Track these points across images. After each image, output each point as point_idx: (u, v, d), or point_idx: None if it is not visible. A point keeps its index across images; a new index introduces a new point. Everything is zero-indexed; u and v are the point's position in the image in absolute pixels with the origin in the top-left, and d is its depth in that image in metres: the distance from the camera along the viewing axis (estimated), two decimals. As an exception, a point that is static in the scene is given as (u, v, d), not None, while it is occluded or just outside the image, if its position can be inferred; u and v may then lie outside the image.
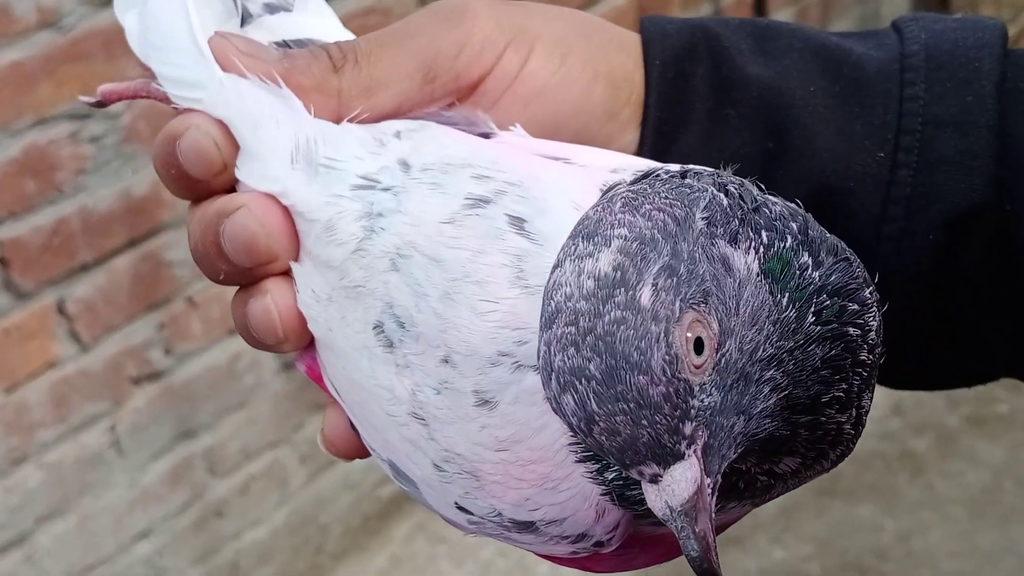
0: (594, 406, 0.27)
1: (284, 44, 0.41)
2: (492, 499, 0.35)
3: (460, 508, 0.36)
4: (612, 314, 0.27)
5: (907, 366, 0.40)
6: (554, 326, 0.28)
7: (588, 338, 0.27)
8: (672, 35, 0.41)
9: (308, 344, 0.39)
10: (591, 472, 0.33)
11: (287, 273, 0.39)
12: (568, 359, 0.27)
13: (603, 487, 0.33)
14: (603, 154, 0.38)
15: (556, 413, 0.29)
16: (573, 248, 0.29)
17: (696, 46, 0.41)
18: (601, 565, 0.37)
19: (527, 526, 0.35)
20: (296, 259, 0.38)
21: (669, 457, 0.27)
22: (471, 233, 0.35)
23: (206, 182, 0.38)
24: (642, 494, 0.30)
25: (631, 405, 0.27)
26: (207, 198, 0.39)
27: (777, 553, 1.76)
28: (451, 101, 0.40)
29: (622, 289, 0.27)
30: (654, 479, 0.28)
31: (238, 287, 0.40)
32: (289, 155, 0.38)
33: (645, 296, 0.27)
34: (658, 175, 0.32)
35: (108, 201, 1.48)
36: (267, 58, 0.39)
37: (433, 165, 0.37)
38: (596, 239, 0.29)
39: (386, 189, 0.37)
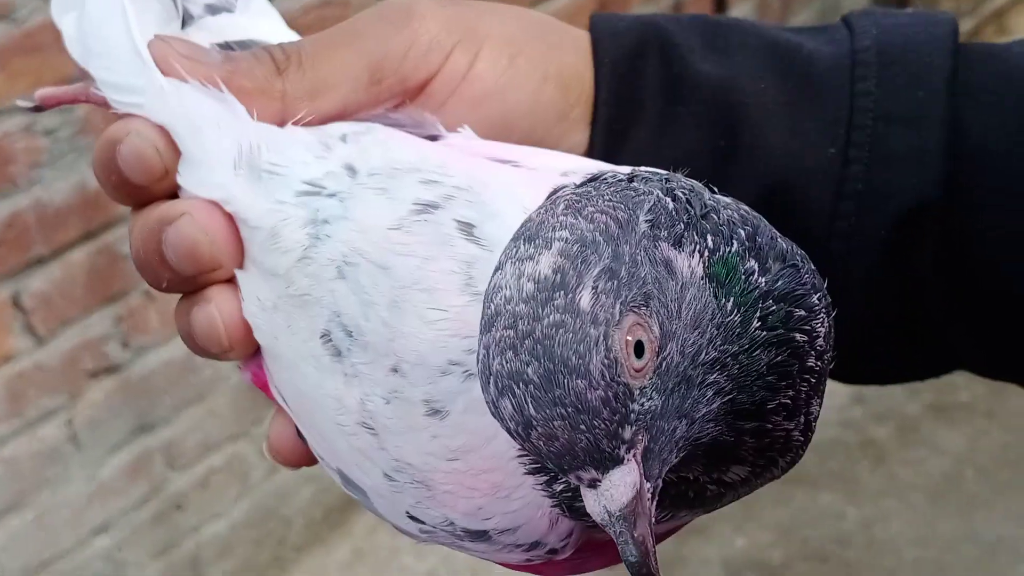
0: (532, 411, 0.27)
1: (226, 46, 0.40)
2: (444, 508, 0.35)
3: (412, 517, 0.36)
4: (551, 317, 0.27)
5: (864, 361, 0.41)
6: (493, 329, 0.28)
7: (527, 342, 0.27)
8: (622, 33, 0.41)
9: (254, 353, 0.39)
10: (540, 484, 0.33)
11: (231, 281, 0.38)
12: (506, 363, 0.27)
13: (552, 499, 0.33)
14: (554, 156, 0.38)
15: (495, 418, 0.28)
16: (514, 251, 0.29)
17: (647, 44, 0.41)
18: (555, 570, 0.37)
19: (480, 535, 0.35)
20: (241, 267, 0.38)
21: (608, 462, 0.27)
22: (419, 239, 0.34)
23: (147, 188, 0.38)
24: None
25: (569, 410, 0.27)
26: (148, 204, 0.39)
27: (739, 541, 1.79)
28: (398, 103, 0.40)
29: (561, 292, 0.27)
30: (592, 484, 0.28)
31: (181, 295, 0.39)
32: (232, 161, 0.38)
33: (584, 299, 0.27)
34: (605, 178, 0.32)
35: (63, 194, 1.47)
36: (208, 61, 0.39)
37: (380, 169, 0.37)
38: (537, 241, 0.28)
39: (332, 195, 0.37)
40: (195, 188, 0.38)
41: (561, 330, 0.27)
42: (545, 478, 0.32)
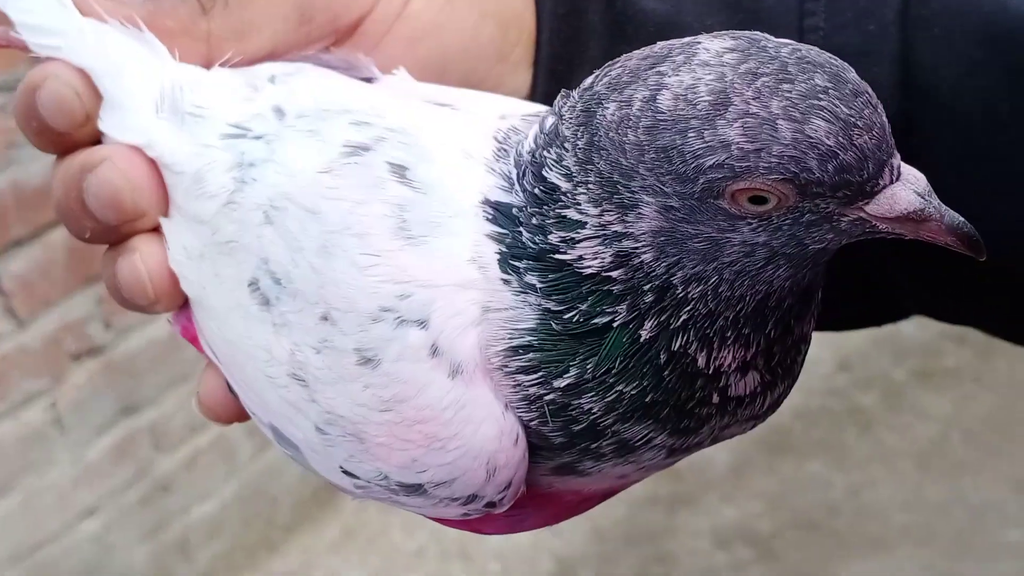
0: (845, 109, 0.27)
1: None
2: (377, 462, 0.34)
3: (345, 472, 0.35)
4: (787, 49, 0.28)
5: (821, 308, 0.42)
6: (733, 102, 0.28)
7: (790, 69, 0.28)
8: None
9: (182, 304, 0.38)
10: (535, 374, 0.32)
11: (157, 230, 0.38)
12: (787, 94, 0.27)
13: (547, 396, 0.32)
14: (491, 99, 0.38)
15: (790, 167, 0.28)
16: (652, 74, 0.30)
17: None
18: (492, 526, 0.36)
19: (415, 488, 0.34)
20: (166, 214, 0.37)
21: (895, 151, 0.29)
22: (350, 183, 0.33)
23: (68, 135, 0.37)
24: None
25: (869, 95, 0.28)
26: (71, 152, 0.38)
27: (728, 511, 1.80)
28: (329, 43, 0.39)
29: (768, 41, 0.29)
30: (897, 173, 0.29)
31: (108, 247, 0.38)
32: (154, 104, 0.37)
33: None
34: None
35: (40, 175, 1.43)
36: (129, 1, 0.38)
37: (309, 111, 0.36)
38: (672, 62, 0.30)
39: (258, 137, 0.36)
40: (117, 133, 0.37)
41: (811, 51, 0.29)
42: (539, 376, 0.32)
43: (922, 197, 0.29)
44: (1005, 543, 1.73)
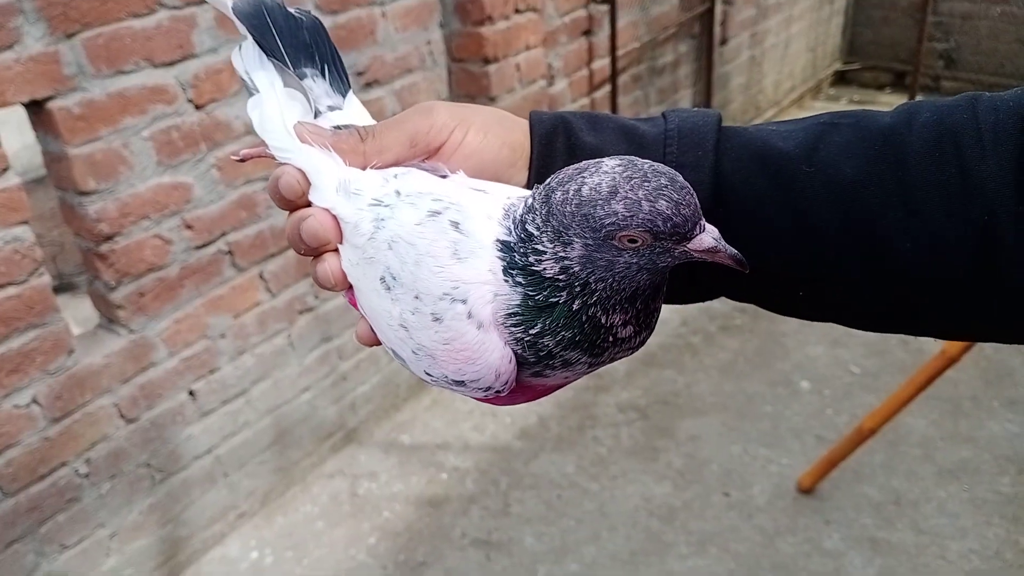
0: (675, 195, 0.40)
1: (337, 127, 0.52)
2: (441, 369, 0.46)
3: (427, 373, 0.47)
4: (647, 164, 0.41)
5: (671, 294, 0.52)
6: (619, 192, 0.40)
7: (648, 175, 0.40)
8: (545, 121, 0.53)
9: (349, 288, 0.51)
10: (520, 327, 0.44)
11: (336, 250, 0.51)
12: (646, 187, 0.39)
13: (526, 338, 0.45)
14: (505, 187, 0.49)
15: (647, 224, 0.40)
16: (566, 177, 0.42)
17: (557, 127, 0.53)
18: (502, 402, 0.49)
19: (460, 383, 0.46)
20: (340, 243, 0.50)
21: (702, 216, 0.41)
22: (430, 230, 0.45)
23: (293, 202, 0.51)
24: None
25: (689, 188, 0.41)
26: (295, 211, 0.51)
27: (624, 394, 2.65)
28: (425, 157, 0.51)
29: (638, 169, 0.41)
30: (702, 228, 0.41)
31: (312, 259, 0.51)
32: (335, 187, 0.49)
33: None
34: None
35: (282, 222, 1.99)
36: (324, 135, 0.50)
37: (412, 193, 0.47)
38: (582, 173, 0.42)
39: (386, 206, 0.48)
40: (317, 202, 0.50)
41: (659, 166, 0.41)
42: (522, 324, 0.44)
43: (716, 240, 0.41)
44: (763, 412, 2.55)
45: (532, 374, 0.47)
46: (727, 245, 0.43)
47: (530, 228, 0.44)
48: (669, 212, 0.41)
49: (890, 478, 2.33)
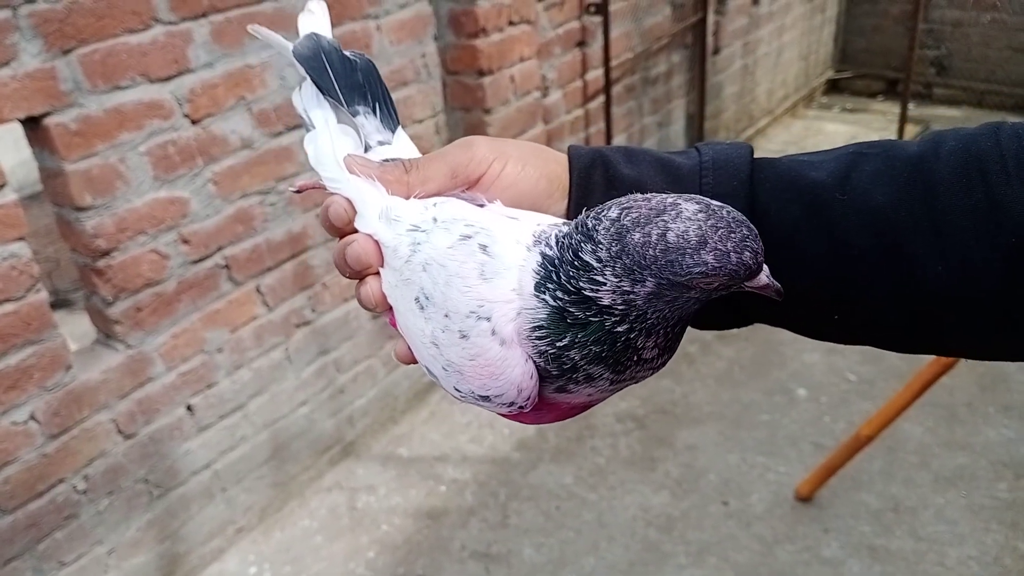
0: (753, 246, 0.42)
1: (386, 160, 0.55)
2: (469, 384, 0.49)
3: (456, 389, 0.50)
4: (726, 211, 0.43)
5: (697, 321, 0.55)
6: (708, 242, 0.42)
7: (732, 224, 0.42)
8: (584, 155, 0.56)
9: (389, 309, 0.54)
10: (545, 339, 0.46)
11: (377, 273, 0.54)
12: (732, 239, 0.42)
13: (551, 350, 0.46)
14: (536, 216, 0.51)
15: (733, 275, 0.42)
16: (644, 218, 0.43)
17: (595, 160, 0.55)
18: (527, 419, 0.51)
19: (486, 399, 0.49)
20: (381, 266, 0.53)
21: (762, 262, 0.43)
22: (460, 253, 0.48)
23: (341, 229, 0.54)
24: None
25: (757, 237, 0.43)
26: (342, 236, 0.54)
27: (622, 404, 2.65)
28: (465, 188, 0.53)
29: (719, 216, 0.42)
30: (760, 269, 0.43)
31: (356, 281, 0.54)
32: (378, 215, 0.53)
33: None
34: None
35: (280, 235, 2.10)
36: (371, 167, 0.53)
37: (447, 219, 0.51)
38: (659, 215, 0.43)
39: (423, 231, 0.51)
40: (362, 228, 0.53)
41: (735, 212, 0.43)
42: (548, 338, 0.45)
43: (768, 277, 0.44)
44: (760, 420, 2.55)
45: (555, 389, 0.49)
46: (772, 279, 0.45)
47: (587, 258, 0.44)
48: (751, 263, 0.43)
49: (888, 485, 2.34)
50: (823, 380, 2.72)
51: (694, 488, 2.37)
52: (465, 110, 2.63)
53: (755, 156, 0.55)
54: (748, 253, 0.43)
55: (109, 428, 1.91)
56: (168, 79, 1.83)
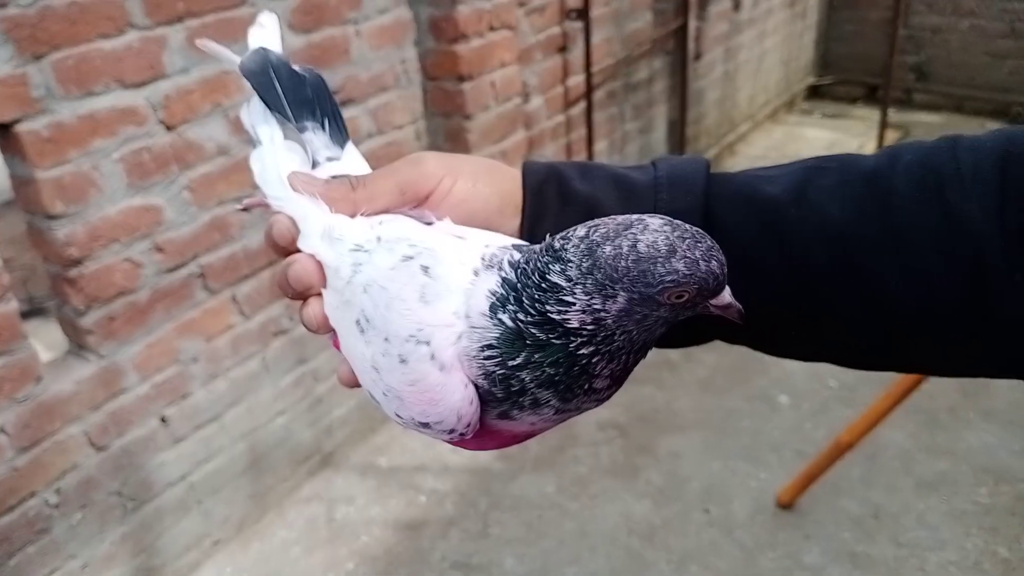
0: (719, 257, 0.43)
1: (333, 177, 0.54)
2: (408, 410, 0.48)
3: (397, 415, 0.49)
4: (687, 226, 0.42)
5: (663, 340, 0.53)
6: (678, 250, 0.41)
7: (696, 236, 0.42)
8: (538, 170, 0.55)
9: (331, 330, 0.53)
10: (494, 359, 0.44)
11: (319, 294, 0.52)
12: (699, 248, 0.42)
13: (499, 371, 0.44)
14: (486, 234, 0.50)
15: (702, 283, 0.42)
16: (613, 235, 0.42)
17: (549, 176, 0.55)
18: (470, 446, 0.50)
19: (426, 425, 0.48)
20: (324, 287, 0.52)
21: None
22: (402, 274, 0.47)
23: (285, 247, 0.53)
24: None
25: (720, 251, 0.43)
26: (285, 256, 0.53)
27: (603, 412, 2.60)
28: (414, 205, 0.52)
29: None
30: (724, 286, 0.43)
31: (300, 302, 0.53)
32: (320, 234, 0.52)
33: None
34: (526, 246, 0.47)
35: (257, 242, 2.07)
36: (315, 184, 0.53)
37: (391, 239, 0.50)
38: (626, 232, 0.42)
39: (366, 251, 0.50)
40: (304, 248, 0.52)
41: (697, 229, 0.42)
42: (498, 358, 0.44)
43: (731, 297, 0.44)
44: (742, 427, 2.57)
45: (498, 415, 0.47)
46: (734, 300, 0.45)
47: (555, 279, 0.43)
48: (718, 271, 0.43)
49: (869, 491, 2.34)
50: (805, 387, 2.73)
51: (676, 496, 2.37)
52: (445, 116, 2.62)
53: (712, 171, 0.55)
54: (715, 263, 0.43)
55: (81, 440, 1.89)
56: (143, 85, 1.81)
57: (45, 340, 2.46)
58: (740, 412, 2.65)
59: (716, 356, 2.90)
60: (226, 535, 2.30)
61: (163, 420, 2.08)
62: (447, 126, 2.63)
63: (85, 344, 1.87)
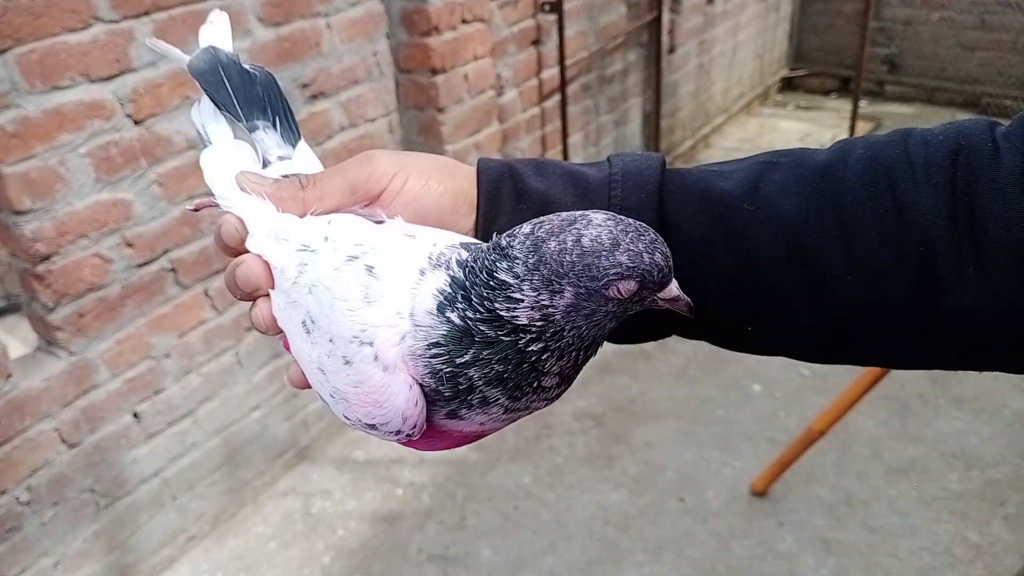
0: (663, 249, 0.43)
1: (284, 176, 0.53)
2: (355, 412, 0.48)
3: (345, 416, 0.49)
4: (631, 221, 0.43)
5: (617, 335, 0.55)
6: (621, 243, 0.42)
7: (640, 230, 0.43)
8: (492, 168, 0.54)
9: (280, 331, 0.52)
10: (441, 357, 0.44)
11: (268, 295, 0.52)
12: (642, 241, 0.42)
13: (446, 369, 0.44)
14: (436, 233, 0.50)
15: (646, 275, 0.42)
16: (549, 230, 0.43)
17: (504, 173, 0.54)
18: (419, 446, 0.50)
19: (372, 427, 0.48)
20: (271, 287, 0.51)
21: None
22: (346, 274, 0.47)
23: (233, 248, 0.53)
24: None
25: (664, 244, 0.43)
26: (234, 256, 0.53)
27: (580, 402, 2.66)
28: (365, 204, 0.52)
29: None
30: (670, 279, 0.44)
31: (249, 303, 0.53)
32: (267, 234, 0.51)
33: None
34: (473, 243, 0.47)
35: None
36: (263, 184, 0.52)
37: (337, 238, 0.49)
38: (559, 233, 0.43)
39: (312, 251, 0.49)
40: (252, 248, 0.52)
41: (640, 223, 0.43)
42: (446, 356, 0.44)
43: (678, 289, 0.45)
44: (716, 416, 2.59)
45: (447, 414, 0.47)
46: (682, 293, 0.46)
47: (503, 276, 0.43)
48: (663, 264, 0.43)
49: (841, 478, 2.37)
50: (777, 376, 2.75)
51: (651, 485, 2.38)
52: (418, 109, 2.61)
53: (667, 167, 0.55)
54: (659, 255, 0.43)
55: (52, 437, 1.88)
56: (110, 79, 1.80)
57: (22, 337, 2.46)
58: (714, 401, 2.67)
59: (691, 346, 2.92)
60: (201, 531, 2.30)
61: (136, 416, 2.07)
62: (420, 119, 2.63)
63: (55, 340, 1.86)
